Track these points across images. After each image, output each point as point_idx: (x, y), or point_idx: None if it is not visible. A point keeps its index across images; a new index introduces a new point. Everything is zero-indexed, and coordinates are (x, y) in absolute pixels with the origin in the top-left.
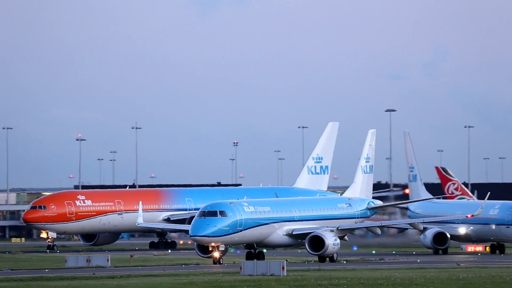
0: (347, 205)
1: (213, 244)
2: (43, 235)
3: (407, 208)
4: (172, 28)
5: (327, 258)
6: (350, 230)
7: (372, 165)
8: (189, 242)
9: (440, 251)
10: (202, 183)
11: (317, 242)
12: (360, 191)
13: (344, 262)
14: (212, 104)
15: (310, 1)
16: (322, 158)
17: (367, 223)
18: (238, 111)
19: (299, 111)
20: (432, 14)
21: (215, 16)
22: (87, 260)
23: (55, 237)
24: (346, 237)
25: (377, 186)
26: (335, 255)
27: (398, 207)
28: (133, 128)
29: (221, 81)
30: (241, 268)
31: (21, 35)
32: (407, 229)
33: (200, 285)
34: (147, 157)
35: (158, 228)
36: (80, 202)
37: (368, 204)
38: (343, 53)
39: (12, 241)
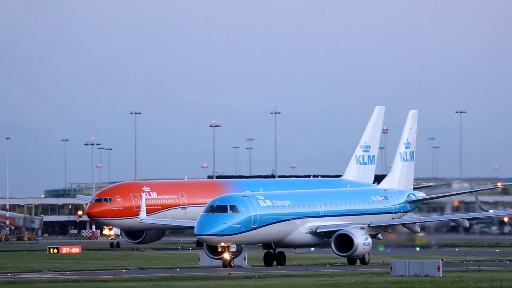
0: (383, 198)
1: (222, 244)
2: (106, 231)
3: None
4: (308, 16)
5: (358, 260)
6: (384, 228)
7: (413, 151)
8: None
9: None
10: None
11: (344, 242)
12: (398, 182)
13: (507, 262)
14: (353, 86)
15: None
16: (370, 147)
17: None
18: (381, 96)
19: (456, 96)
20: None
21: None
22: None
23: (118, 233)
24: (379, 235)
25: None
26: (366, 256)
27: None
28: (272, 113)
29: (361, 65)
30: (391, 269)
31: (147, 22)
32: None
33: (345, 286)
34: (287, 145)
35: (160, 224)
36: (146, 194)
37: (408, 196)
38: (473, 43)
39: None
